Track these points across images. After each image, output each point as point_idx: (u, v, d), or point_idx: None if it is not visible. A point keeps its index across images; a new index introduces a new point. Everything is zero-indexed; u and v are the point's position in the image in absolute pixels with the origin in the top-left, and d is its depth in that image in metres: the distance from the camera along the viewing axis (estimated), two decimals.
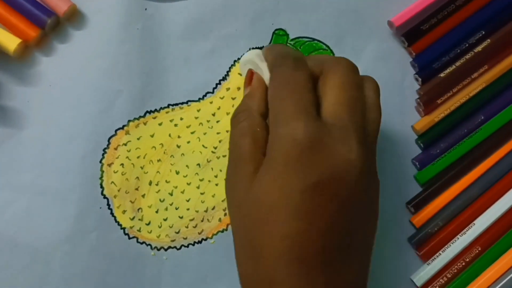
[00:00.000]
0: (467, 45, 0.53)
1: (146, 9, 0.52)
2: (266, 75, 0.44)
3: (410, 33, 0.54)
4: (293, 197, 0.36)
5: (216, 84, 0.53)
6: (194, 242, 0.50)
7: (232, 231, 0.41)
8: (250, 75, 0.45)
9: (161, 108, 0.52)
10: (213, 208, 0.51)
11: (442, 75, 0.53)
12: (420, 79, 0.53)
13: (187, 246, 0.50)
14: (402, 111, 0.53)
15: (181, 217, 0.50)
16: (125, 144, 0.51)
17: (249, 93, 0.44)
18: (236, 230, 0.41)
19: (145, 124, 0.51)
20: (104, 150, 0.50)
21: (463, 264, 0.50)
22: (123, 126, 0.51)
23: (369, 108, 0.42)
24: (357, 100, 0.41)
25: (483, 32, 0.54)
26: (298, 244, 0.36)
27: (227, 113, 0.52)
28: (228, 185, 0.42)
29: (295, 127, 0.37)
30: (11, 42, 0.49)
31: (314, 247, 0.36)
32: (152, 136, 0.51)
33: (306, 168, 0.37)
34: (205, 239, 0.50)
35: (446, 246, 0.50)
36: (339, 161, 0.37)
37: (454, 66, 0.53)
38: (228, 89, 0.53)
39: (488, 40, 0.53)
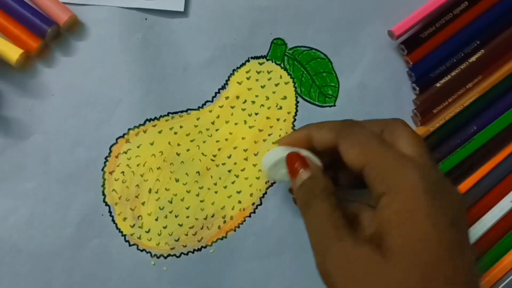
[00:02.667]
0: (462, 54, 0.54)
1: (146, 19, 0.53)
2: (309, 155, 0.45)
3: (409, 41, 0.54)
4: (445, 231, 0.37)
5: (215, 93, 0.53)
6: (194, 249, 0.51)
7: None
8: (297, 160, 0.45)
9: (161, 116, 0.52)
10: (212, 216, 0.51)
11: (438, 85, 0.53)
12: (417, 88, 0.53)
13: (187, 254, 0.51)
14: None
15: (181, 225, 0.51)
16: (126, 152, 0.51)
17: (310, 176, 0.44)
18: None
19: (145, 132, 0.52)
20: (105, 158, 0.51)
21: None
22: (124, 134, 0.52)
23: None
24: (425, 143, 0.43)
25: (478, 42, 0.54)
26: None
27: (226, 122, 0.53)
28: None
29: (413, 169, 0.38)
30: (13, 53, 0.49)
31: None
32: (151, 144, 0.52)
33: (438, 209, 0.37)
34: (205, 247, 0.51)
35: None
36: (455, 198, 0.39)
37: (449, 76, 0.54)
38: (227, 97, 0.53)
39: (482, 50, 0.54)
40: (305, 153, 0.45)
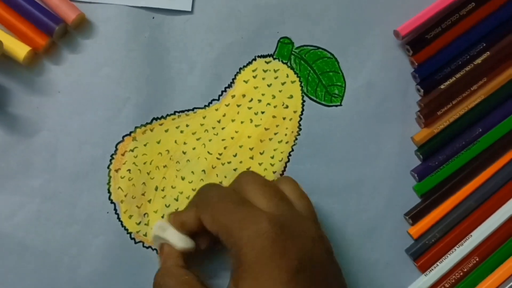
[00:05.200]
0: (468, 57, 0.54)
1: (153, 18, 0.53)
2: (173, 238, 0.46)
3: (415, 41, 0.54)
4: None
5: (222, 92, 0.53)
6: None
7: None
8: (161, 248, 0.47)
9: (167, 115, 0.52)
10: None
11: (442, 86, 0.53)
12: (422, 90, 0.54)
13: None
14: (403, 121, 0.54)
15: None
16: (132, 150, 0.52)
17: (162, 261, 0.46)
18: None
19: (151, 130, 0.52)
20: (111, 156, 0.51)
21: (461, 274, 0.51)
22: (130, 132, 0.52)
23: (296, 198, 0.44)
24: (279, 193, 0.44)
25: (484, 44, 0.54)
26: None
27: (232, 120, 0.53)
28: None
29: (258, 222, 0.39)
30: (21, 50, 0.49)
31: None
32: (158, 142, 0.52)
33: (283, 256, 0.38)
34: None
35: (443, 257, 0.52)
36: (305, 239, 0.40)
37: (454, 78, 0.54)
38: (233, 96, 0.53)
39: (488, 52, 0.54)
40: (172, 237, 0.46)
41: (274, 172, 0.53)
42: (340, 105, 0.54)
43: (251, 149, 0.53)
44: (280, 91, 0.54)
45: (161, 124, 0.52)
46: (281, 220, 0.40)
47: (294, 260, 0.38)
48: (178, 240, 0.46)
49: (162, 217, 0.51)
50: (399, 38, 0.54)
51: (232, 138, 0.53)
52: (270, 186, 0.44)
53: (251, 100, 0.53)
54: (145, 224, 0.51)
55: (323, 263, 0.40)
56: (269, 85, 0.54)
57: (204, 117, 0.53)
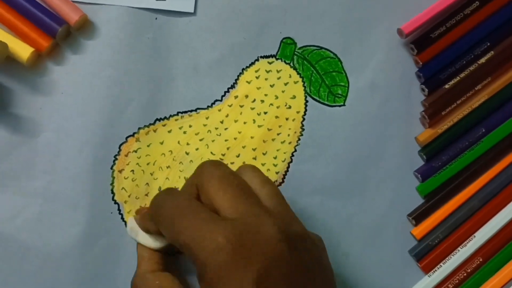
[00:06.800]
0: (472, 56, 0.54)
1: (156, 19, 0.53)
2: (145, 241, 0.47)
3: (419, 40, 0.54)
4: None
5: (225, 92, 0.53)
6: None
7: None
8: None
9: (170, 116, 0.52)
10: None
11: (447, 86, 0.53)
12: (426, 90, 0.53)
13: None
14: (407, 121, 0.54)
15: None
16: (136, 151, 0.52)
17: (137, 265, 0.47)
18: None
19: (155, 131, 0.52)
20: (115, 156, 0.51)
21: (465, 274, 0.51)
22: (134, 133, 0.52)
23: (259, 185, 0.42)
24: (241, 187, 0.41)
25: (488, 44, 0.54)
26: None
27: (235, 121, 0.53)
28: None
29: (214, 238, 0.37)
30: (24, 51, 0.49)
31: None
32: (161, 143, 0.52)
33: (244, 268, 0.36)
34: None
35: (447, 258, 0.52)
36: (268, 243, 0.38)
37: (458, 78, 0.54)
38: (236, 97, 0.53)
39: (492, 52, 0.54)
40: (144, 240, 0.47)
41: (277, 173, 0.53)
42: (344, 105, 0.54)
43: (254, 149, 0.53)
44: (283, 92, 0.54)
45: (164, 125, 0.52)
46: (239, 228, 0.38)
47: (256, 269, 0.36)
48: (151, 242, 0.47)
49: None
50: (402, 36, 0.54)
51: (235, 138, 0.53)
52: (231, 181, 0.41)
53: (254, 100, 0.53)
54: None
55: (294, 263, 0.38)
56: (272, 86, 0.54)
57: (207, 118, 0.53)
